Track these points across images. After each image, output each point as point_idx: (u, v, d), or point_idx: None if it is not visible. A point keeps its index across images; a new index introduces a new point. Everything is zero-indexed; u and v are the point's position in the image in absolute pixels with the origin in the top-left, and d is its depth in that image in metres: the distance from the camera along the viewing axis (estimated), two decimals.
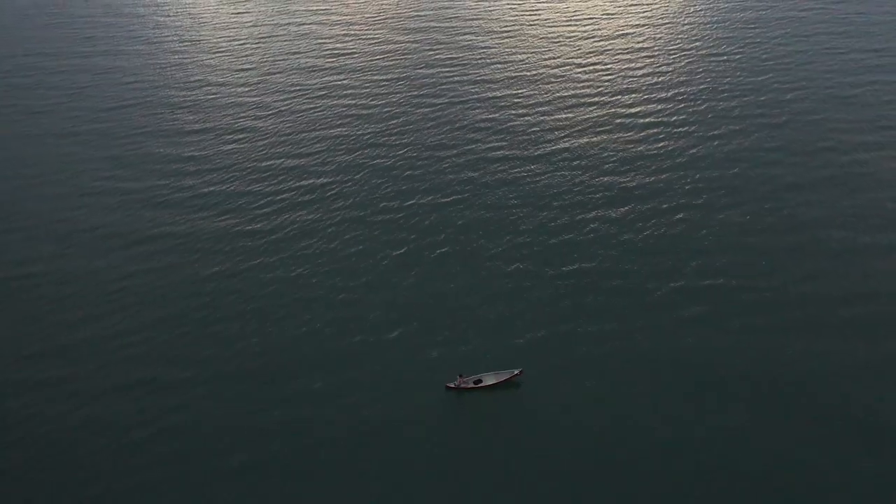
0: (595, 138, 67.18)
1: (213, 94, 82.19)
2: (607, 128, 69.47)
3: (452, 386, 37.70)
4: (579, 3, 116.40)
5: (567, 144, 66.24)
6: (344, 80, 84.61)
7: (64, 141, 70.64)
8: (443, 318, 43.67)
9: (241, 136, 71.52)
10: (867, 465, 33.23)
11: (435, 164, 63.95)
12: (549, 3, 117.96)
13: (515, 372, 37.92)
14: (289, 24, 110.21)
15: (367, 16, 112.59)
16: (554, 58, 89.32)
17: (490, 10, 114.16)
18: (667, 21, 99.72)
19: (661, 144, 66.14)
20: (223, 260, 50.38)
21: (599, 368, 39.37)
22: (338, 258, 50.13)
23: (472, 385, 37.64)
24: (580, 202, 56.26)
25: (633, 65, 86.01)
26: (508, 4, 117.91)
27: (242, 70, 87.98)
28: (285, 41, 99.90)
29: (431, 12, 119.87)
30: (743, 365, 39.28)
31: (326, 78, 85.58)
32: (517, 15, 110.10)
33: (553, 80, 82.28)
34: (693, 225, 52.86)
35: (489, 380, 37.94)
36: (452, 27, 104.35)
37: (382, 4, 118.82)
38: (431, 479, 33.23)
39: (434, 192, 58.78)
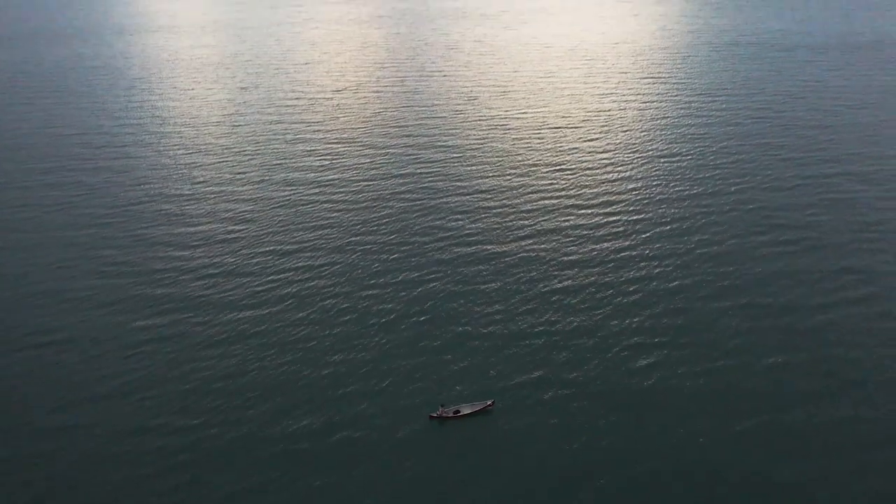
0: (558, 231, 75.59)
1: (215, 189, 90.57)
2: (573, 217, 78.35)
3: (435, 415, 44.24)
4: (559, 104, 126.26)
5: (538, 228, 74.72)
6: (335, 177, 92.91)
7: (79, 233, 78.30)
8: (426, 364, 50.79)
9: (244, 215, 79.38)
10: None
11: (417, 246, 72.16)
12: (531, 103, 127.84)
13: (488, 403, 44.62)
14: (280, 122, 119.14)
15: (356, 117, 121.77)
16: (525, 154, 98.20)
17: (467, 110, 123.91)
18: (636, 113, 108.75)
19: (618, 211, 74.55)
20: (227, 329, 57.67)
21: (560, 403, 46.28)
22: (331, 324, 57.68)
23: (451, 414, 44.19)
24: (546, 275, 64.76)
25: (603, 159, 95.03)
26: (486, 106, 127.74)
27: (241, 169, 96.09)
28: (282, 143, 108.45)
29: (413, 116, 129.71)
30: (685, 402, 46.37)
31: (319, 175, 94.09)
32: (495, 118, 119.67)
33: (522, 172, 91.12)
34: (648, 293, 60.99)
35: (466, 409, 44.56)
36: (434, 126, 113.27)
37: (369, 109, 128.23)
38: (418, 491, 39.60)
39: (417, 270, 66.81)
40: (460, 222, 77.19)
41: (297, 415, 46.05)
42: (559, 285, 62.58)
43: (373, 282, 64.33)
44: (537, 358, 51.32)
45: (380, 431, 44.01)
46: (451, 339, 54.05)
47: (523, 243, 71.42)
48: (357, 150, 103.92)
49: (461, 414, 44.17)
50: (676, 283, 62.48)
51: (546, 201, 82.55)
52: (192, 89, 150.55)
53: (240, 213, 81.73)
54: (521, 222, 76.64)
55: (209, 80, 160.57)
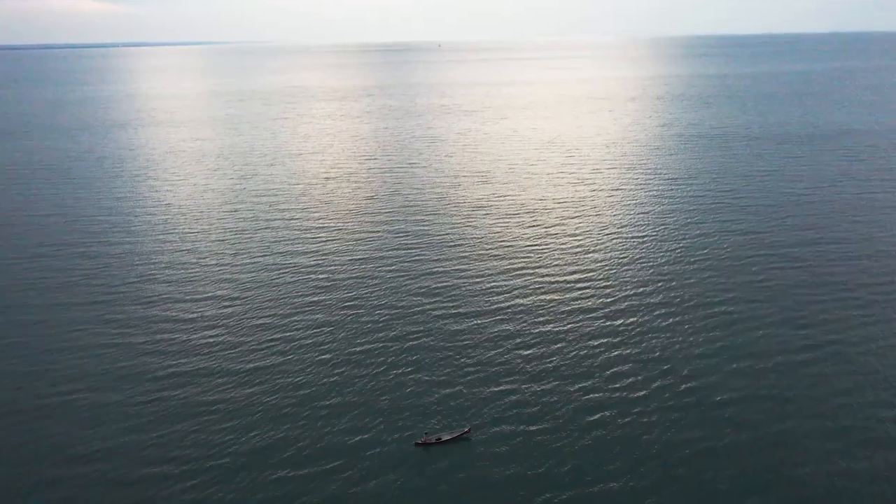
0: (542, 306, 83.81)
1: (216, 267, 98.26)
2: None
3: (420, 442, 50.21)
4: (536, 190, 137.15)
5: (513, 301, 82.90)
6: (327, 254, 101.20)
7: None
8: (409, 401, 57.24)
9: (245, 285, 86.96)
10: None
11: (401, 310, 79.98)
12: (509, 189, 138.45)
13: (465, 430, 50.81)
14: (277, 206, 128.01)
15: (347, 201, 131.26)
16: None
17: (450, 195, 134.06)
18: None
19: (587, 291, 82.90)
20: (229, 381, 64.20)
21: (530, 428, 52.51)
22: (325, 374, 64.53)
23: (434, 441, 50.17)
24: (520, 340, 72.16)
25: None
26: (468, 191, 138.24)
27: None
28: (279, 225, 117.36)
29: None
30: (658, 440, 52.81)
31: (313, 253, 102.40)
32: (476, 201, 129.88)
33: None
34: (610, 347, 68.60)
35: (446, 436, 50.64)
36: (419, 209, 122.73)
37: (359, 194, 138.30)
38: None
39: (401, 329, 74.44)
40: (442, 291, 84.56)
41: (297, 447, 51.80)
42: (531, 343, 69.48)
43: (362, 339, 71.08)
44: (508, 390, 57.70)
45: (373, 458, 49.79)
46: (430, 382, 60.48)
47: (498, 309, 78.68)
48: (348, 232, 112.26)
49: (443, 440, 50.18)
50: (640, 344, 69.61)
51: (521, 278, 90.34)
52: (193, 176, 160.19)
53: (241, 283, 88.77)
54: (497, 295, 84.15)
55: (208, 168, 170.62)
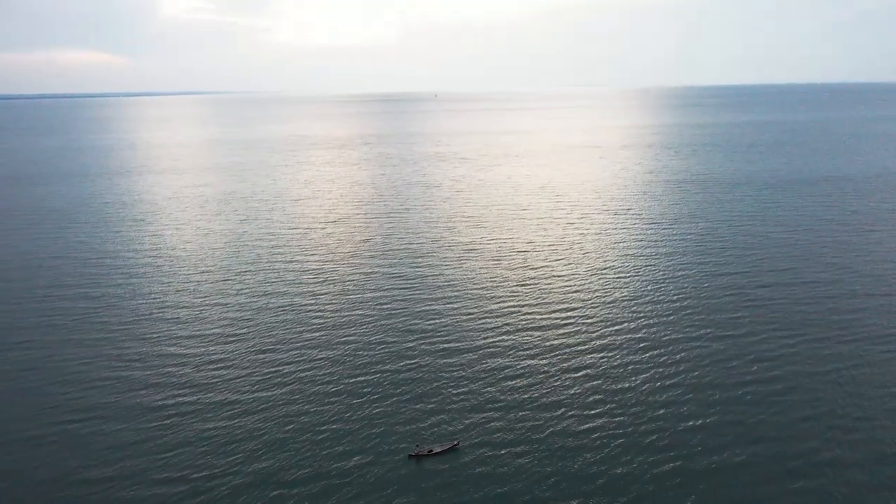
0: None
1: (221, 305, 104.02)
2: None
3: (413, 454, 54.90)
4: (527, 232, 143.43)
5: (501, 339, 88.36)
6: (325, 293, 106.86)
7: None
8: (401, 417, 62.03)
9: (247, 321, 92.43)
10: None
11: (394, 342, 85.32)
12: (501, 232, 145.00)
13: (455, 442, 55.58)
14: (278, 248, 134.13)
15: (345, 243, 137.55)
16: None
17: (444, 237, 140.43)
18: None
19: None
20: (231, 408, 69.26)
21: (514, 440, 57.25)
22: (325, 400, 69.26)
23: (426, 453, 54.86)
24: (507, 367, 77.33)
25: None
26: (462, 233, 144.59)
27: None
28: (279, 266, 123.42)
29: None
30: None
31: (312, 291, 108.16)
32: (469, 243, 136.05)
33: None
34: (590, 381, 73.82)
35: (437, 448, 55.36)
36: (414, 251, 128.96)
37: (357, 236, 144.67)
38: None
39: (392, 360, 79.45)
40: (435, 328, 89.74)
41: (302, 464, 56.39)
42: (517, 375, 74.51)
43: (358, 371, 76.00)
44: (493, 416, 62.46)
45: (372, 468, 54.36)
46: (421, 409, 65.26)
47: (487, 345, 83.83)
48: (345, 272, 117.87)
49: (434, 452, 54.90)
50: (621, 380, 74.68)
51: (509, 316, 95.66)
52: (196, 220, 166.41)
53: (242, 321, 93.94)
54: (486, 331, 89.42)
55: (211, 213, 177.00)
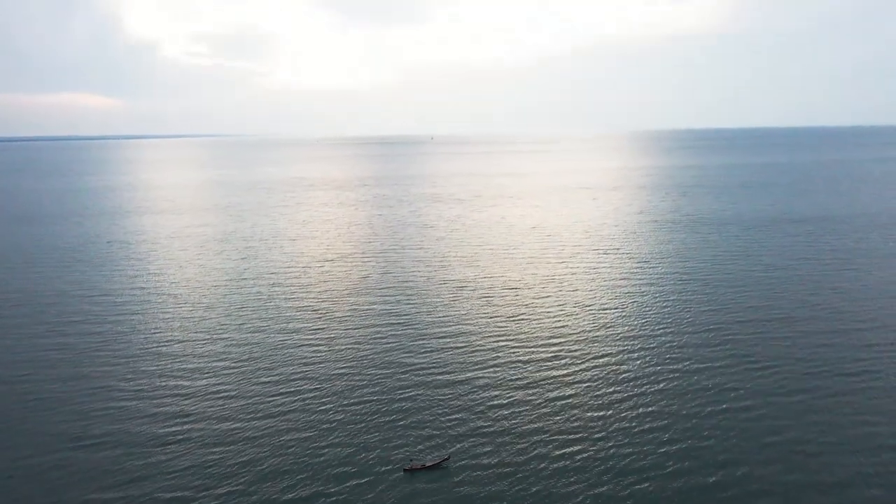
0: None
1: (221, 339, 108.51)
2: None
3: (408, 468, 58.89)
4: (518, 270, 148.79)
5: (491, 372, 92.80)
6: (322, 327, 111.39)
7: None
8: (395, 434, 66.04)
9: (247, 354, 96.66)
10: None
11: (388, 373, 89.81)
12: (494, 269, 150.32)
13: (445, 456, 59.70)
14: (277, 285, 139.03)
15: (343, 280, 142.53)
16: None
17: (438, 275, 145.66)
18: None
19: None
20: (235, 441, 73.21)
21: (501, 454, 61.25)
22: (324, 421, 73.32)
23: (420, 466, 58.87)
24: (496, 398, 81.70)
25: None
26: (456, 270, 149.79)
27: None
28: (278, 302, 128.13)
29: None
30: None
31: (309, 326, 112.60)
32: (463, 280, 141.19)
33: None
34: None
35: (429, 462, 59.44)
36: (410, 287, 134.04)
37: (354, 274, 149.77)
38: None
39: (384, 394, 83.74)
40: (428, 360, 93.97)
41: (302, 480, 60.21)
42: (507, 405, 78.71)
43: (355, 397, 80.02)
44: (480, 423, 66.51)
45: (369, 484, 58.23)
46: (416, 433, 69.29)
47: (478, 377, 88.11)
48: (343, 307, 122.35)
49: (427, 466, 59.00)
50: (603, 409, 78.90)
51: (499, 350, 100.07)
52: (197, 258, 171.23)
53: (244, 354, 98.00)
54: (477, 364, 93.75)
55: (211, 251, 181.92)
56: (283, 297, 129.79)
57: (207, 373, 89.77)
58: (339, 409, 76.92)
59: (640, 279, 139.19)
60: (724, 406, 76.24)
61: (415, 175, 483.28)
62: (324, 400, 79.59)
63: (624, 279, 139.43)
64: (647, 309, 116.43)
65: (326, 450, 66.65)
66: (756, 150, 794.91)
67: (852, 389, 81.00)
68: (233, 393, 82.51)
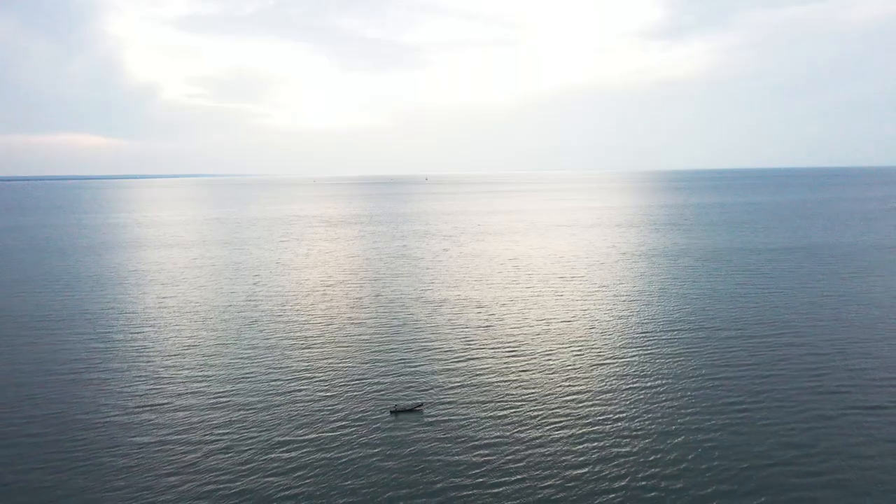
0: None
1: (225, 362, 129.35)
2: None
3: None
4: (501, 299, 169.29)
5: (477, 391, 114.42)
6: (320, 350, 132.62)
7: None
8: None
9: (248, 376, 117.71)
10: None
11: (381, 389, 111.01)
12: (479, 299, 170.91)
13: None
14: (278, 312, 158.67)
15: (340, 307, 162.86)
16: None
17: (427, 304, 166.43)
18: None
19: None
20: (238, 455, 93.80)
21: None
22: (314, 453, 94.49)
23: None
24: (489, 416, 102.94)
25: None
26: (442, 298, 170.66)
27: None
28: (279, 326, 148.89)
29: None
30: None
31: (308, 348, 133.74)
32: (449, 310, 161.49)
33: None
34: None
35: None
36: (400, 313, 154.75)
37: (349, 300, 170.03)
38: (384, 471, 74.52)
39: (373, 416, 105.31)
40: (416, 383, 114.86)
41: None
42: (495, 419, 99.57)
43: (355, 411, 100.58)
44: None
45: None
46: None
47: (461, 386, 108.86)
48: (339, 330, 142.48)
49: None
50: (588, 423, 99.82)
51: (486, 373, 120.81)
52: (203, 287, 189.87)
53: (246, 374, 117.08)
54: (458, 373, 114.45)
55: (213, 284, 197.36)
56: (283, 321, 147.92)
57: (208, 391, 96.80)
58: (336, 427, 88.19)
59: (626, 313, 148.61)
60: (698, 422, 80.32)
61: (407, 213, 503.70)
62: (320, 418, 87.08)
63: (608, 311, 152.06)
64: (640, 346, 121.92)
65: (327, 454, 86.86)
66: (753, 191, 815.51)
67: (841, 412, 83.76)
68: (233, 407, 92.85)
